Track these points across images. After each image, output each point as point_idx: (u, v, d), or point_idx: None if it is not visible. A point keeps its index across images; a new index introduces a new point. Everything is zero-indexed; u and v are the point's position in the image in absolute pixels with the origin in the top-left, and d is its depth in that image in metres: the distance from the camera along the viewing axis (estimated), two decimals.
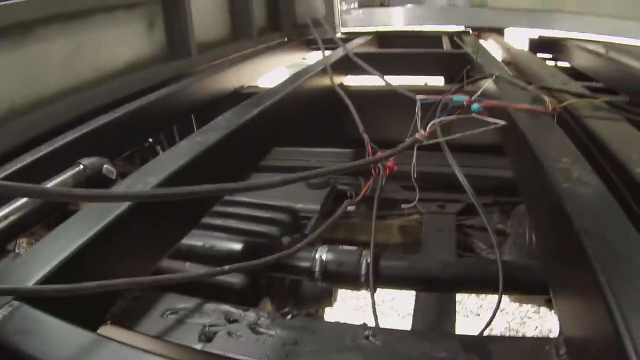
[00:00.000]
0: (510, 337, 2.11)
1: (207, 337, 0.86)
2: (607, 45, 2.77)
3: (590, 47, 2.74)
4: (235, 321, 0.88)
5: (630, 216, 0.85)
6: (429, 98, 1.08)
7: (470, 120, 1.03)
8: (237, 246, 1.20)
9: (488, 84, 1.33)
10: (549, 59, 3.18)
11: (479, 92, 1.08)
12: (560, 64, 3.02)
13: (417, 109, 1.06)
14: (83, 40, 1.73)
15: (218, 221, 1.37)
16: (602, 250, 0.60)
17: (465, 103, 1.03)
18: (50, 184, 1.15)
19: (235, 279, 1.13)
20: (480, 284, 1.10)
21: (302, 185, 1.60)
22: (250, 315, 0.89)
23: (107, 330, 0.85)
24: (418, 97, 1.07)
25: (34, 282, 0.69)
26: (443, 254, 1.45)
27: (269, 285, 1.22)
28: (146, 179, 0.94)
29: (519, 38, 3.32)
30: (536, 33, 3.30)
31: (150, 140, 1.83)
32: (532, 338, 1.83)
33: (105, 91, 1.73)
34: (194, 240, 1.22)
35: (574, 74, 2.63)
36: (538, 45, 3.24)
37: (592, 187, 0.78)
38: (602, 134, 1.13)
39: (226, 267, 0.82)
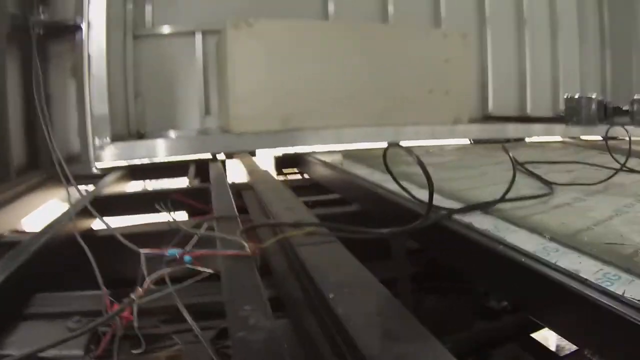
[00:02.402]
0: None
1: None
2: (344, 154, 3.07)
3: (330, 158, 3.03)
4: None
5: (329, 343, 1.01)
6: (149, 252, 1.30)
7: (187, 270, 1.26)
8: None
9: (206, 230, 1.53)
10: (295, 173, 3.54)
11: (190, 244, 1.32)
12: (306, 176, 3.35)
13: (142, 262, 1.28)
14: None
15: None
16: None
17: (177, 256, 1.27)
18: None
19: None
20: None
21: (64, 332, 1.70)
22: None
23: None
24: (142, 251, 1.30)
25: None
26: None
27: None
28: None
29: (266, 156, 3.64)
30: (281, 151, 3.62)
31: None
32: None
33: None
34: None
35: (315, 185, 2.91)
36: (283, 161, 3.57)
37: (265, 333, 0.89)
38: (309, 262, 1.25)
39: None
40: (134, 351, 1.51)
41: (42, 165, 3.17)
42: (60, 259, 1.83)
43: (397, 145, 1.38)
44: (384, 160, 1.58)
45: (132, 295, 1.11)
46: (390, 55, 3.85)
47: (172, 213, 1.88)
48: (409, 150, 1.34)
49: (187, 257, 1.24)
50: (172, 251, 1.25)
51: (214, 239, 1.46)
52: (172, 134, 4.06)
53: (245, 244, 1.33)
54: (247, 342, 0.86)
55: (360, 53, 3.77)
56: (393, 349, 0.79)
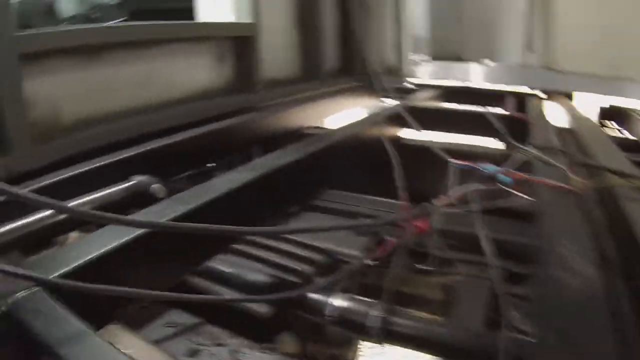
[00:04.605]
0: None
1: (192, 353, 0.96)
2: None
3: None
4: (220, 345, 0.97)
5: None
6: (460, 163, 1.13)
7: (500, 190, 1.08)
8: (264, 278, 1.24)
9: (529, 156, 1.34)
10: (619, 129, 3.15)
11: (509, 165, 1.13)
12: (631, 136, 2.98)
13: (451, 172, 1.12)
14: (154, 67, 1.85)
15: (259, 252, 1.39)
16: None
17: (494, 174, 1.08)
18: (101, 194, 1.28)
19: (262, 309, 1.17)
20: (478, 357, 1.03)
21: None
22: (235, 342, 0.98)
23: (111, 329, 0.93)
24: (451, 160, 1.13)
25: (56, 275, 0.80)
26: (470, 318, 1.42)
27: (293, 322, 1.24)
28: (176, 207, 1.04)
29: (589, 104, 3.28)
30: (608, 101, 3.25)
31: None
32: None
33: (171, 115, 1.83)
34: (228, 266, 1.27)
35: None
36: (608, 114, 3.21)
37: (582, 278, 0.78)
38: (634, 217, 1.07)
39: (226, 296, 0.93)
40: (415, 265, 1.37)
41: (355, 73, 3.15)
42: (359, 159, 1.75)
43: None
44: None
45: (435, 202, 0.93)
46: None
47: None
48: None
49: (505, 177, 1.04)
50: (489, 167, 1.06)
51: (531, 167, 1.29)
52: (490, 63, 3.82)
53: (576, 178, 1.17)
54: (564, 284, 0.76)
55: None
56: None
